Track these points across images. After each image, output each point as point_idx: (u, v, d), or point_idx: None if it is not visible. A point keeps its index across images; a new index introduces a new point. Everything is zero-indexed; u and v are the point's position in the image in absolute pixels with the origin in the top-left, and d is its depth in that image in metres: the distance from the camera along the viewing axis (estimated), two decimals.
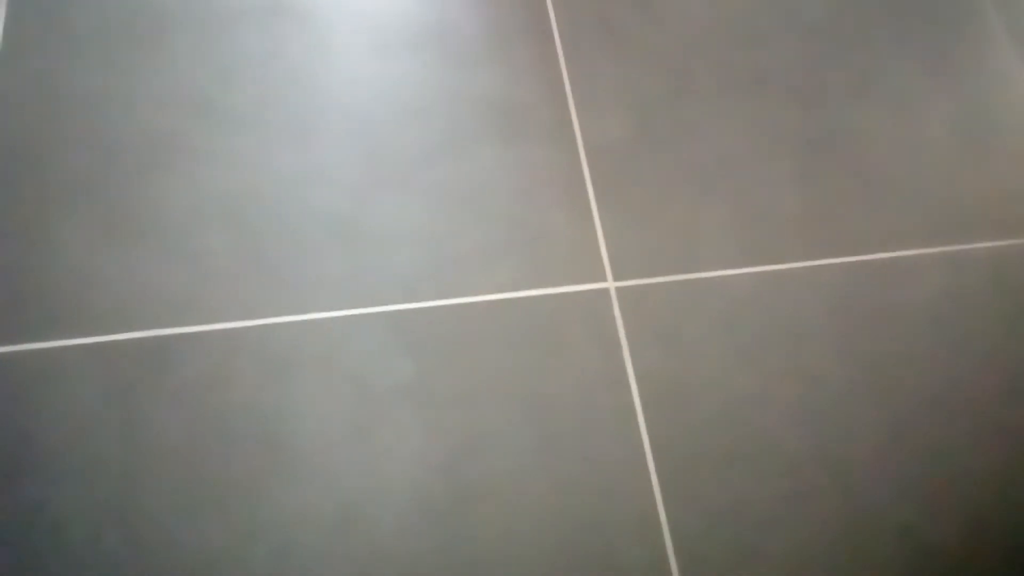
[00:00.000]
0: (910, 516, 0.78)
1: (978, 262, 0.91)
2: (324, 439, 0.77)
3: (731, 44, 1.01)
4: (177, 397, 0.78)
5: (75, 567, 0.70)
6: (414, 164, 0.90)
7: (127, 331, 0.80)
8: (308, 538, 0.73)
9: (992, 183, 0.96)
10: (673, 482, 0.77)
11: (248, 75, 0.94)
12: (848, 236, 0.91)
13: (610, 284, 0.86)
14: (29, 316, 0.80)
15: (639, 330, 0.84)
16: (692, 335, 0.84)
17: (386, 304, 0.83)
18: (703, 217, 0.90)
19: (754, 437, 0.80)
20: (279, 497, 0.74)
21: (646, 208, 0.90)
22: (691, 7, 1.03)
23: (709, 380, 0.82)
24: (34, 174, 0.88)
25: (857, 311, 0.87)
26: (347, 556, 0.72)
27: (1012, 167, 0.97)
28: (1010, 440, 0.82)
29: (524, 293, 0.85)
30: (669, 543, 0.75)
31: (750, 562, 0.75)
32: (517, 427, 0.78)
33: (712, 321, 0.85)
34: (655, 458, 0.78)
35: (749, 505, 0.77)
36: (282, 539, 0.73)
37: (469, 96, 0.95)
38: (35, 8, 0.97)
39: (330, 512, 0.74)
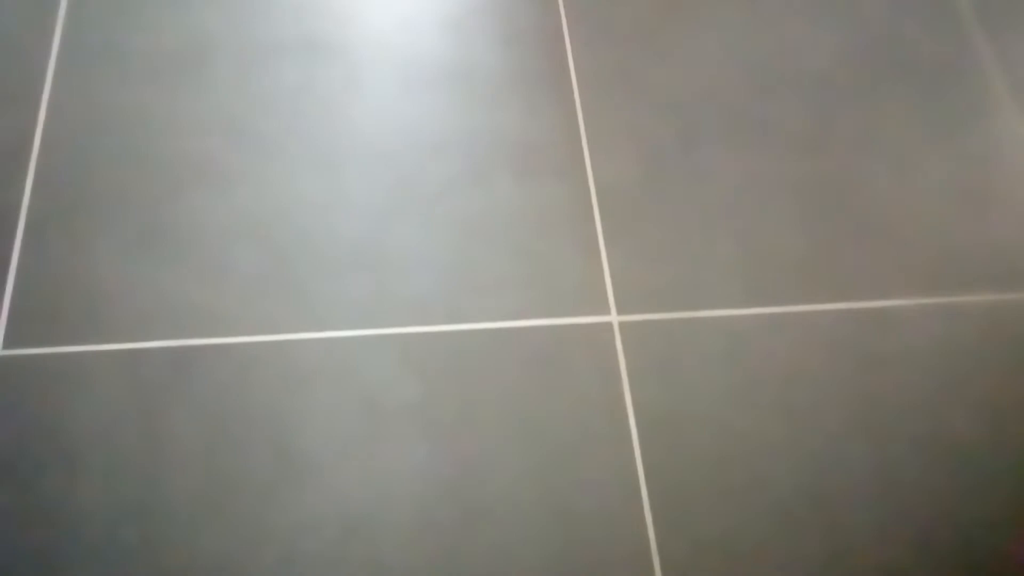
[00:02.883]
0: (893, 559, 0.80)
1: (972, 314, 0.94)
2: (333, 452, 0.80)
3: (741, 93, 1.05)
4: (197, 404, 0.82)
5: (92, 561, 0.74)
6: (433, 195, 0.95)
7: (154, 340, 0.85)
8: (313, 546, 0.76)
9: (988, 237, 0.99)
10: (665, 512, 0.80)
11: (282, 104, 0.99)
12: (847, 283, 0.94)
13: (614, 318, 0.90)
14: (62, 321, 0.85)
15: (639, 363, 0.87)
16: (690, 371, 0.87)
17: (400, 326, 0.87)
18: (707, 258, 0.94)
19: (745, 473, 0.83)
20: (288, 505, 0.78)
21: (652, 246, 0.94)
22: (704, 56, 1.08)
23: (705, 415, 0.85)
24: (77, 184, 0.93)
25: (852, 356, 0.90)
26: (349, 566, 0.76)
27: (1008, 222, 1.00)
28: (997, 490, 0.84)
29: (531, 322, 0.89)
30: (658, 571, 0.78)
31: None
32: (518, 451, 0.82)
33: (711, 358, 0.88)
34: (649, 488, 0.81)
35: (737, 538, 0.80)
36: (289, 546, 0.76)
37: (488, 133, 1.00)
38: (91, 27, 1.03)
39: (335, 523, 0.77)
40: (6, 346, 0.84)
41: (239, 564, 0.75)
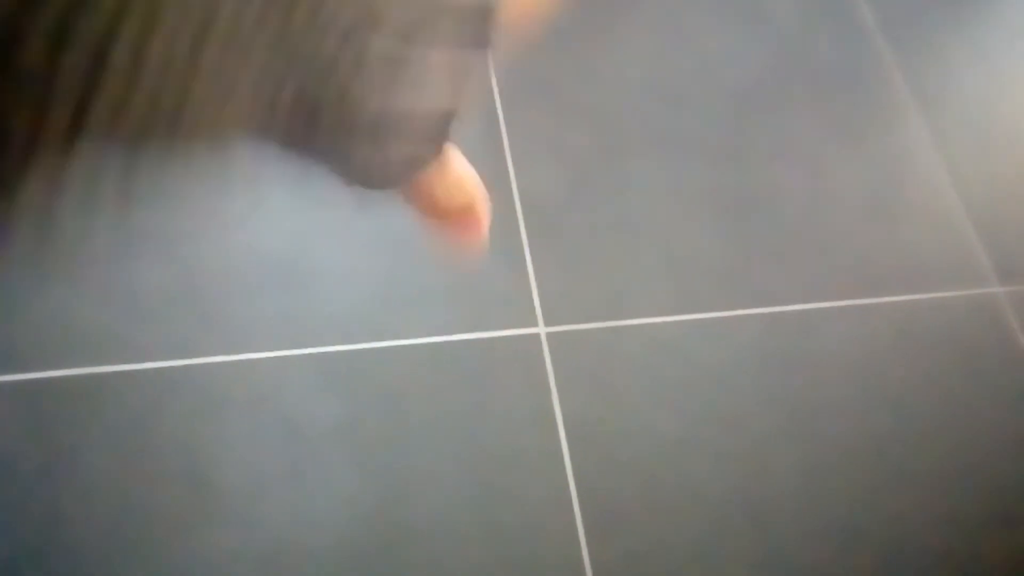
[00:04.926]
0: (821, 556, 0.81)
1: (885, 315, 0.97)
2: (253, 480, 0.77)
3: (661, 106, 1.07)
4: (105, 436, 0.77)
5: None
6: (354, 211, 0.93)
7: (56, 369, 0.80)
8: None
9: (899, 240, 1.03)
10: (597, 523, 0.79)
11: None
12: (766, 288, 0.96)
13: (541, 329, 0.89)
14: None
15: (568, 374, 0.87)
16: (619, 380, 0.87)
17: (320, 346, 0.85)
18: (631, 267, 0.95)
19: (676, 480, 0.83)
20: (205, 538, 0.74)
21: (577, 258, 0.94)
22: (625, 71, 1.09)
23: (634, 424, 0.85)
24: None
25: (774, 359, 0.92)
26: None
27: (916, 227, 1.04)
28: (916, 484, 0.87)
29: (457, 337, 0.87)
30: None
31: None
32: (447, 469, 0.80)
33: (638, 367, 0.88)
34: (580, 499, 0.80)
35: (670, 546, 0.80)
36: None
37: None
38: None
39: (256, 554, 0.74)
40: None
41: None
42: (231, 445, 0.78)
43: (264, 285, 0.87)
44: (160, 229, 0.89)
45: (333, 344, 0.85)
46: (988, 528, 0.85)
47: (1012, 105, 1.17)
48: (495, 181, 0.98)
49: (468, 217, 0.23)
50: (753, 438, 0.86)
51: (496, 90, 1.05)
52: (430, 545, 0.76)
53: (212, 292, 0.86)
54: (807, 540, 0.82)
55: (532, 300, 0.91)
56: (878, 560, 0.82)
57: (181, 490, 0.76)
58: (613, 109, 1.05)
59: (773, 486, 0.84)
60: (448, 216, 0.23)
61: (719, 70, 1.11)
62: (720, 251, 0.97)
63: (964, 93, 1.16)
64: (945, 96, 1.15)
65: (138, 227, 0.89)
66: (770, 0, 1.19)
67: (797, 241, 1.00)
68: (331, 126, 0.16)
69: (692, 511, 0.81)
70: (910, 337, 0.96)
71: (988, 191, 1.09)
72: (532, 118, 1.03)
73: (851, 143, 1.09)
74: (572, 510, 0.80)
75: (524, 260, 0.93)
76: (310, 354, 0.84)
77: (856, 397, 0.91)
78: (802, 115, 1.10)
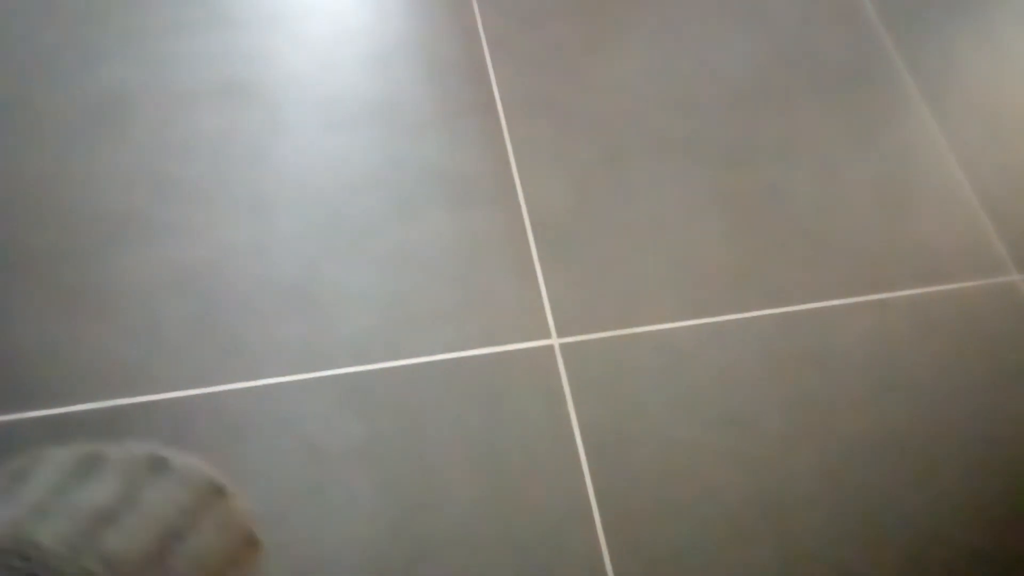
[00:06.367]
0: (845, 556, 0.81)
1: (901, 309, 0.96)
2: (277, 503, 0.78)
3: (663, 111, 1.07)
4: None
5: None
6: (364, 232, 0.95)
7: (82, 402, 0.82)
8: None
9: (910, 235, 1.02)
10: (617, 530, 0.80)
11: (204, 152, 0.98)
12: (778, 288, 0.96)
13: (554, 341, 0.90)
14: None
15: (582, 384, 0.87)
16: (633, 387, 0.88)
17: (337, 367, 0.86)
18: (641, 275, 0.95)
19: (694, 484, 0.83)
20: None
21: (587, 267, 0.95)
22: (626, 78, 1.10)
23: (650, 430, 0.85)
24: None
25: (789, 360, 0.91)
26: None
27: (928, 220, 1.04)
28: (939, 478, 0.86)
29: (472, 352, 0.88)
30: None
31: None
32: (467, 483, 0.81)
33: (652, 373, 0.89)
34: (600, 508, 0.81)
35: (690, 551, 0.80)
36: None
37: (417, 166, 1.00)
38: (2, 85, 1.01)
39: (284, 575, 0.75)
40: None
41: None
42: (253, 469, 0.80)
43: (279, 312, 0.89)
44: (178, 263, 0.91)
45: (349, 366, 0.86)
46: (1014, 520, 0.84)
47: (1020, 90, 1.15)
48: (503, 196, 0.98)
49: None
50: (771, 440, 0.86)
51: (500, 105, 1.06)
52: (452, 559, 0.77)
53: (231, 322, 0.87)
54: (830, 540, 0.81)
55: (544, 312, 0.91)
56: (902, 557, 0.81)
57: None
58: (617, 117, 1.06)
59: (793, 487, 0.84)
60: None
61: (721, 72, 1.11)
62: (731, 253, 0.97)
63: (971, 81, 1.15)
64: (951, 85, 1.15)
65: (158, 263, 0.90)
66: None
67: (808, 239, 1.00)
68: None
69: (711, 516, 0.81)
70: (928, 330, 0.95)
71: (1000, 179, 1.08)
72: (536, 131, 1.04)
73: (858, 138, 1.08)
74: (592, 519, 0.80)
75: (535, 272, 0.94)
76: (327, 376, 0.85)
77: (874, 394, 0.90)
78: (807, 113, 1.09)
